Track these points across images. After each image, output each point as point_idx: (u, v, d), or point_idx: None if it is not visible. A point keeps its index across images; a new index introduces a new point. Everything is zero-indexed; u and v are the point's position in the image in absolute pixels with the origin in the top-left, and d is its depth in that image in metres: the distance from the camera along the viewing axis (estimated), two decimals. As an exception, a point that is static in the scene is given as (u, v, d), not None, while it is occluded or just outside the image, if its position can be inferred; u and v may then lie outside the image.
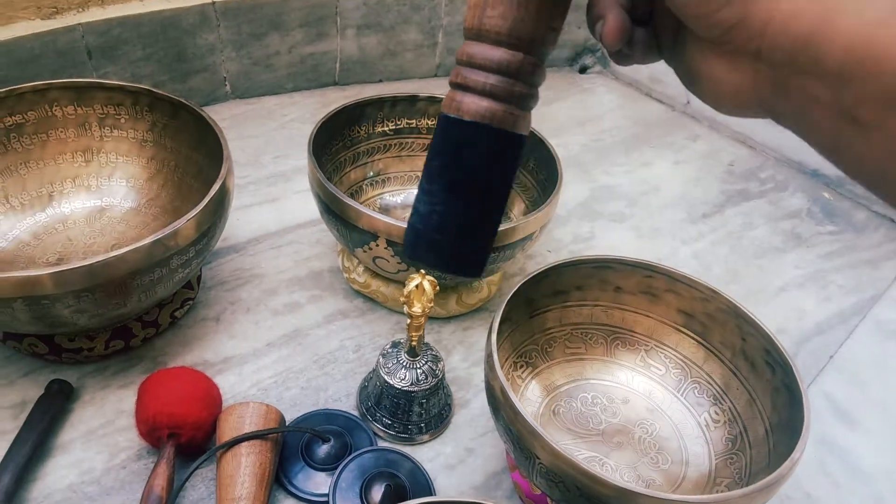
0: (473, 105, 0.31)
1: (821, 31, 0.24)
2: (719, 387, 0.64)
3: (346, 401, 0.67)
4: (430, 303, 0.57)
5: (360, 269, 0.77)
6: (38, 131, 0.73)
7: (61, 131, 0.75)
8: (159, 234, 0.56)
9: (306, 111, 1.12)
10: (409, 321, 0.59)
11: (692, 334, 0.65)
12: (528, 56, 0.31)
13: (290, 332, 0.73)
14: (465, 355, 0.74)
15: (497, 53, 0.31)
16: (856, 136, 0.24)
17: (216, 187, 0.61)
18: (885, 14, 0.22)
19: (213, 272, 0.79)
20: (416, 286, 0.57)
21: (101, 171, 0.77)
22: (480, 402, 0.69)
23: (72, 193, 0.76)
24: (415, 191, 0.86)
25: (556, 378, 0.66)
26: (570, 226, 0.95)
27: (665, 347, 0.67)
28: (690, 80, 0.30)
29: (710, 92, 0.30)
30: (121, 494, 0.56)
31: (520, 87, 0.31)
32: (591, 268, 0.64)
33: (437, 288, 0.57)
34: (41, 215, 0.74)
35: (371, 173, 0.85)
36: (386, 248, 0.65)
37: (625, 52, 0.32)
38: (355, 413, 0.66)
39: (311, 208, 0.81)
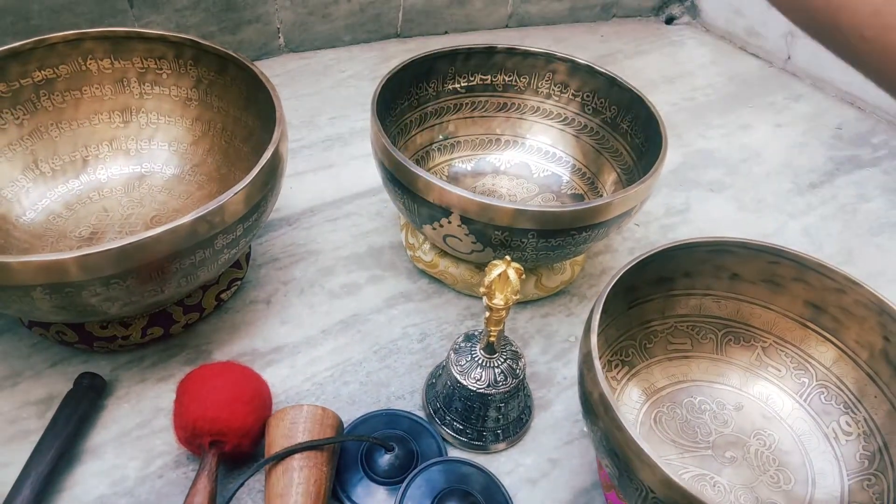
0: None
1: None
2: (852, 393, 0.55)
3: (410, 399, 0.59)
4: (516, 294, 0.48)
5: (426, 246, 0.68)
6: (70, 88, 0.66)
7: (97, 88, 0.67)
8: (202, 210, 0.48)
9: (365, 67, 1.02)
10: (487, 314, 0.50)
11: (821, 330, 0.55)
12: None
13: (347, 318, 0.65)
14: (545, 347, 0.64)
15: None
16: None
17: (268, 154, 0.53)
18: None
19: (264, 248, 0.71)
20: (499, 275, 0.47)
21: (141, 134, 0.69)
22: (564, 404, 0.60)
23: (108, 158, 0.68)
24: (488, 157, 0.78)
25: (657, 379, 0.57)
26: (661, 196, 0.83)
27: (786, 345, 0.57)
28: None
29: None
30: (157, 509, 0.50)
31: None
32: (706, 251, 0.54)
33: (523, 276, 0.48)
34: (74, 183, 0.67)
35: (440, 136, 0.75)
36: (460, 226, 0.56)
37: None
38: (421, 414, 0.57)
39: (371, 175, 0.72)
